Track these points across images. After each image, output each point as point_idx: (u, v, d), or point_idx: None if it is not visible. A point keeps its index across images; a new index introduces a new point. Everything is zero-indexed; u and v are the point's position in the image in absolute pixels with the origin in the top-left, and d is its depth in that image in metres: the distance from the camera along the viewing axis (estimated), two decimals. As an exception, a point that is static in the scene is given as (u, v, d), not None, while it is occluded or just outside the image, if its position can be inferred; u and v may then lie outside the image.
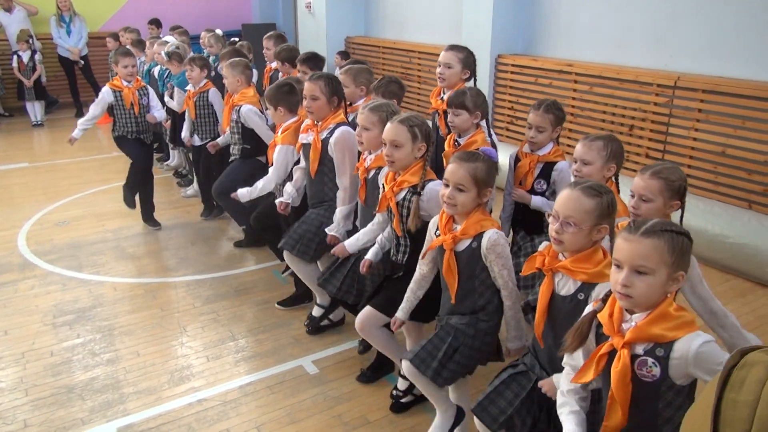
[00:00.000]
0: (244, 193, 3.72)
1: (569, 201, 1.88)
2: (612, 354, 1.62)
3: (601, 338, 1.68)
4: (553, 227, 1.89)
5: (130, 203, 5.16)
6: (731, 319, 2.25)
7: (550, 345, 2.00)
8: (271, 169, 3.62)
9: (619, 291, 1.58)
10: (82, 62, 9.45)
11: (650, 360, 1.56)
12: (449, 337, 2.34)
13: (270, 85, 4.01)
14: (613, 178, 2.66)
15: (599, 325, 1.68)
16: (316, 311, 3.64)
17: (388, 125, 2.55)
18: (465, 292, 2.33)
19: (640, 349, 1.58)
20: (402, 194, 2.56)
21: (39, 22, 9.79)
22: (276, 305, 3.95)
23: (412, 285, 2.55)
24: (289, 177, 3.65)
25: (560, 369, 1.95)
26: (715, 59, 4.93)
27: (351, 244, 2.93)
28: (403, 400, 2.93)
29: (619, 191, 2.67)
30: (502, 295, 2.32)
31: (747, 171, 4.67)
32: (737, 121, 4.69)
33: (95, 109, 4.82)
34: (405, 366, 2.39)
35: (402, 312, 2.57)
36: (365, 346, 3.33)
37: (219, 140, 4.89)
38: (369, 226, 2.88)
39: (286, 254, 3.43)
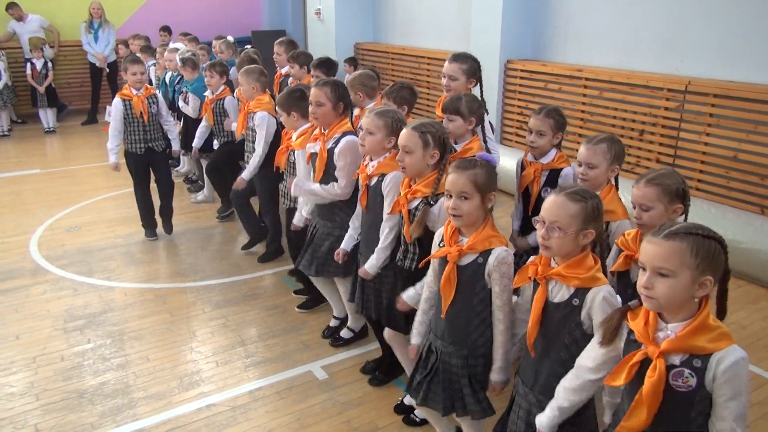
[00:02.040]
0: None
1: (554, 206, 1.89)
2: (644, 362, 1.59)
3: (630, 344, 1.66)
4: (539, 233, 1.90)
5: (151, 234, 5.15)
6: None
7: (539, 353, 1.99)
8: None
9: (642, 293, 1.58)
10: (107, 69, 9.54)
11: (687, 371, 1.54)
12: (451, 376, 2.31)
13: (281, 92, 4.03)
14: (613, 180, 2.68)
15: (630, 332, 1.66)
16: (334, 323, 3.69)
17: (403, 131, 2.54)
18: (459, 308, 2.25)
19: (676, 360, 1.56)
20: (415, 203, 2.55)
21: (65, 28, 10.01)
22: (296, 309, 3.99)
23: (423, 305, 2.47)
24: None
25: (545, 382, 1.96)
26: (726, 63, 4.90)
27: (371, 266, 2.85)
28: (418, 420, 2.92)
29: (617, 192, 2.68)
30: (495, 318, 2.21)
31: (759, 176, 4.63)
32: (749, 126, 4.65)
33: (114, 124, 4.78)
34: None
35: (418, 337, 2.47)
36: (371, 369, 3.30)
37: (244, 175, 4.61)
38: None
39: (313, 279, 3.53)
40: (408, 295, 2.60)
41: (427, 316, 2.45)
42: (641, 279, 1.58)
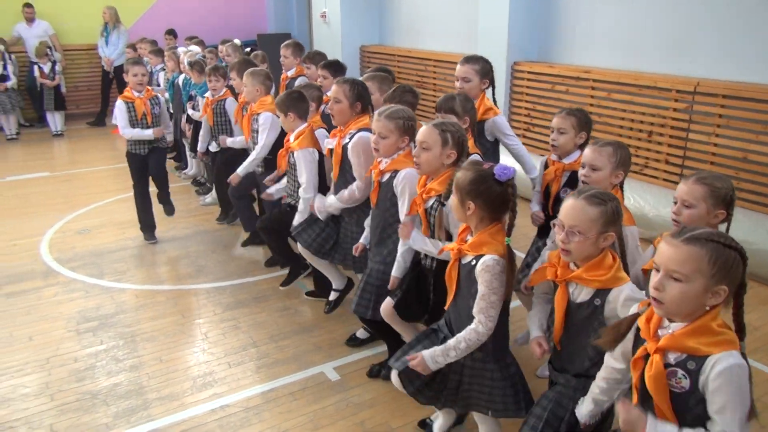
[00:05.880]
0: (320, 206, 3.55)
1: (573, 210, 1.89)
2: (646, 358, 1.60)
3: (638, 341, 1.67)
4: (559, 237, 1.90)
5: (150, 236, 5.17)
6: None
7: (566, 350, 2.03)
8: (302, 179, 3.60)
9: (652, 295, 1.56)
10: (111, 73, 9.59)
11: (680, 372, 1.53)
12: (452, 374, 2.32)
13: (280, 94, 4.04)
14: (619, 186, 2.63)
15: (638, 329, 1.67)
16: (333, 296, 3.83)
17: (422, 127, 2.55)
18: (459, 305, 2.29)
19: (671, 359, 1.55)
20: (430, 202, 2.56)
21: (73, 33, 10.09)
22: (279, 287, 4.10)
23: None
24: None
25: (576, 366, 2.00)
26: (735, 64, 4.90)
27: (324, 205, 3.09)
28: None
29: (623, 199, 2.65)
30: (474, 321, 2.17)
31: (769, 176, 4.63)
32: (758, 126, 4.65)
33: (123, 123, 4.75)
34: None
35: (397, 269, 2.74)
36: (378, 371, 3.30)
37: (228, 140, 4.97)
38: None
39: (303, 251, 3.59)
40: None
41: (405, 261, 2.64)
42: (653, 279, 1.56)
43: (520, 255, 4.45)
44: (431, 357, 2.19)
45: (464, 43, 7.56)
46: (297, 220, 3.63)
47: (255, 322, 3.87)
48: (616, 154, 2.54)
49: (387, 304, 2.83)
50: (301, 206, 3.61)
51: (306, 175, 3.56)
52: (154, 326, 3.80)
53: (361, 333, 3.61)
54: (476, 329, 2.14)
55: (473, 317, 2.20)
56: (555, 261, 2.00)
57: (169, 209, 5.37)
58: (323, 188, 3.64)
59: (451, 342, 2.19)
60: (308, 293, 4.13)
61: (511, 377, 2.27)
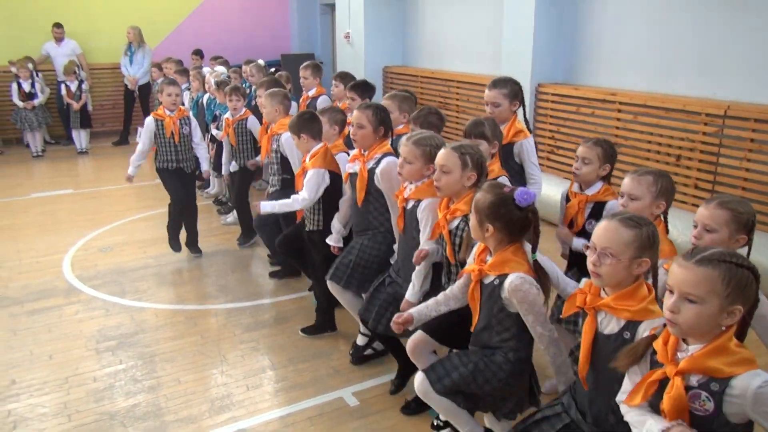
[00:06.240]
0: (266, 206, 3.65)
1: (607, 232, 1.83)
2: (663, 383, 1.56)
3: (654, 365, 1.62)
4: (590, 259, 1.85)
5: (175, 246, 5.17)
6: None
7: (591, 387, 1.92)
8: (303, 191, 3.58)
9: (667, 317, 1.55)
10: (136, 92, 9.75)
11: (704, 394, 1.50)
12: (466, 359, 2.35)
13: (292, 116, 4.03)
14: (662, 217, 2.55)
15: (654, 352, 1.62)
16: (360, 340, 3.62)
17: (441, 151, 2.56)
18: (483, 325, 2.32)
19: (693, 381, 1.52)
20: (455, 222, 2.54)
21: (99, 52, 10.32)
22: (300, 332, 3.92)
23: (439, 297, 2.51)
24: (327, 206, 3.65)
25: (600, 411, 1.88)
26: (767, 87, 4.79)
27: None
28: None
29: (668, 231, 2.55)
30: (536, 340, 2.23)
31: (803, 203, 4.50)
32: (792, 151, 4.53)
33: (143, 142, 4.87)
34: (417, 379, 2.41)
35: (416, 310, 2.49)
36: (397, 386, 3.25)
37: (258, 158, 5.00)
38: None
39: (330, 285, 3.42)
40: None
41: (436, 308, 2.47)
42: (668, 301, 1.55)
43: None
44: (565, 385, 2.23)
45: (488, 65, 7.54)
46: (265, 206, 3.62)
47: (274, 344, 3.82)
48: (656, 184, 2.48)
49: (415, 339, 2.73)
50: (288, 200, 3.59)
51: (308, 192, 3.53)
52: (173, 346, 3.77)
53: (360, 339, 3.60)
54: (546, 345, 2.19)
55: (494, 334, 2.25)
56: (586, 288, 1.93)
57: (196, 251, 5.28)
58: (335, 210, 3.59)
59: (554, 370, 2.23)
60: (303, 329, 3.95)
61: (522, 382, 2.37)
